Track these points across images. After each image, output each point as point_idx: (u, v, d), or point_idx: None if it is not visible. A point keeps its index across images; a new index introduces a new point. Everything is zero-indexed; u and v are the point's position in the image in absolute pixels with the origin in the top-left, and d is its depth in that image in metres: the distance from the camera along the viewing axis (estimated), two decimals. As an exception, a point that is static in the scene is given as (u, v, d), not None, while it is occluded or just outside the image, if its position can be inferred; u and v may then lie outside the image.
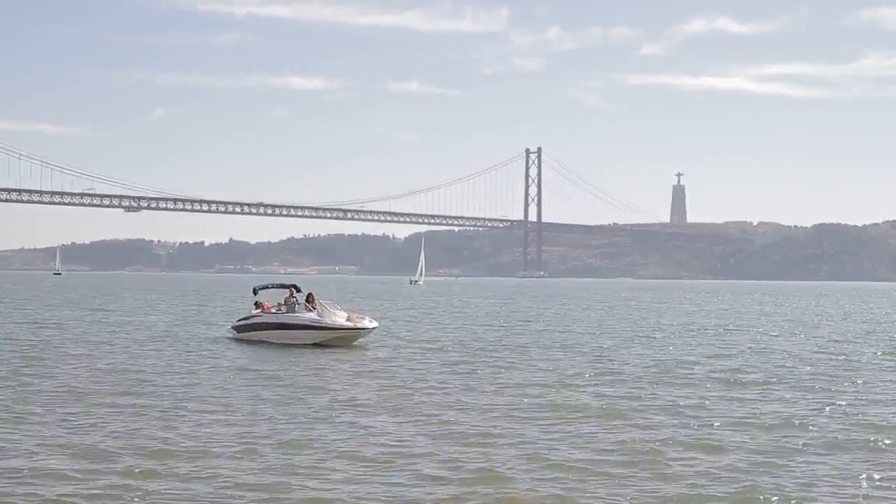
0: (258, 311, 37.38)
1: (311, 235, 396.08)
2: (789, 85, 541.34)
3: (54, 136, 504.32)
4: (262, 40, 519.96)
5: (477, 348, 34.91)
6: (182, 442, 16.20)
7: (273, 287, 40.72)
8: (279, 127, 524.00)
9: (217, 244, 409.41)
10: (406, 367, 28.02)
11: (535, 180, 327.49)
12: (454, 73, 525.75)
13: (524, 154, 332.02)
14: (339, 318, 35.04)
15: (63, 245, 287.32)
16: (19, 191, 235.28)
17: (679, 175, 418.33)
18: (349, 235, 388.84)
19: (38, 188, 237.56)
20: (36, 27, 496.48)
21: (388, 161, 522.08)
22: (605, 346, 36.26)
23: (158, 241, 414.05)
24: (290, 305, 36.42)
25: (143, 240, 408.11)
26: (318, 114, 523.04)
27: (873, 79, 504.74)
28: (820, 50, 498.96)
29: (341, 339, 34.29)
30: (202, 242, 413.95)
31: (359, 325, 34.70)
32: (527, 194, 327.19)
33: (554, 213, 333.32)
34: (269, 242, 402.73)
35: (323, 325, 34.55)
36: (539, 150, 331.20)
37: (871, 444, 16.39)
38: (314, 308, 35.62)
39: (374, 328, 35.50)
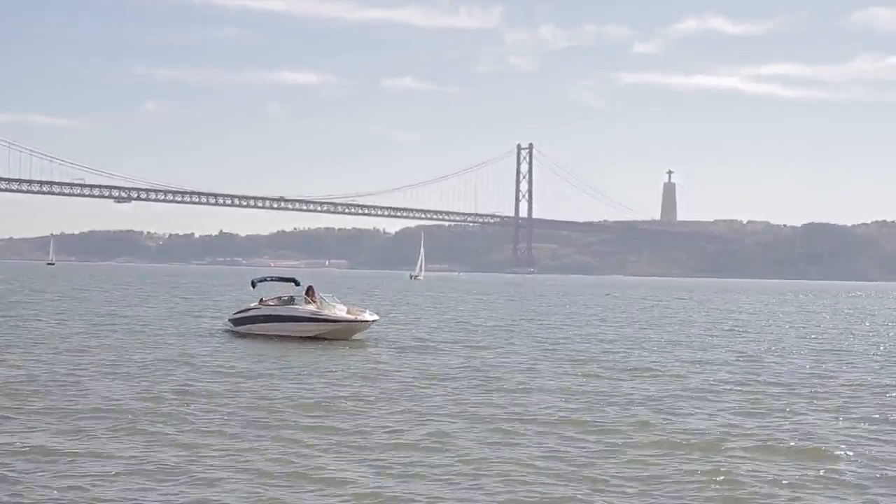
0: (257, 304, 36.99)
1: (302, 229, 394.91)
2: (783, 85, 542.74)
3: (46, 127, 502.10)
4: (257, 35, 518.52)
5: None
6: (175, 435, 16.01)
7: (272, 280, 40.31)
8: (273, 123, 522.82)
9: (207, 236, 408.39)
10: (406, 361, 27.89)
11: (527, 177, 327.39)
12: (450, 71, 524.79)
13: (515, 150, 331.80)
14: (339, 311, 34.72)
15: (53, 235, 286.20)
16: (9, 180, 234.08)
17: (670, 173, 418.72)
18: (339, 230, 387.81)
19: (29, 178, 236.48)
20: (29, 20, 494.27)
21: (384, 159, 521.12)
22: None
23: (148, 233, 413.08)
24: (284, 301, 35.96)
25: (133, 231, 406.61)
26: (313, 110, 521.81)
27: (866, 80, 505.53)
28: (814, 51, 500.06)
29: (341, 332, 33.86)
30: (192, 234, 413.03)
31: (359, 318, 34.36)
32: (517, 191, 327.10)
33: (545, 210, 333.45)
34: (259, 236, 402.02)
35: (322, 317, 34.16)
36: (530, 146, 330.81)
37: None
38: (313, 301, 35.28)
39: (374, 321, 35.14)
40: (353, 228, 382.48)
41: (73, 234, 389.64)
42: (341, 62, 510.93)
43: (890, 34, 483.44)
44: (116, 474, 13.33)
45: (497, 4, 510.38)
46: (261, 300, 37.06)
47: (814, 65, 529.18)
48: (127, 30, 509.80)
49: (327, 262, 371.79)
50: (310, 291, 35.86)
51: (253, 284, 39.47)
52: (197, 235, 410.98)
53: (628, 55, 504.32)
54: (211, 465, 13.94)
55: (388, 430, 16.73)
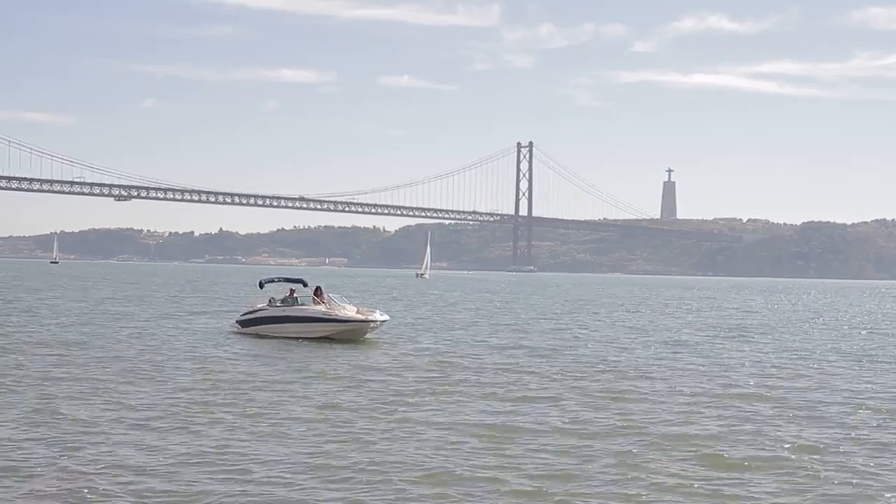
0: (264, 305, 36.80)
1: (301, 227, 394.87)
2: (780, 83, 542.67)
3: (43, 124, 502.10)
4: (255, 33, 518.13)
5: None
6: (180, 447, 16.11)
7: (279, 280, 39.93)
8: (272, 121, 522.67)
9: (206, 234, 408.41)
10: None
11: (527, 175, 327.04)
12: (446, 69, 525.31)
13: (515, 149, 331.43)
14: (348, 311, 34.60)
15: (52, 233, 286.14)
16: (9, 178, 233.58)
17: (669, 171, 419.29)
18: (339, 227, 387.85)
19: (28, 176, 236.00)
20: (26, 16, 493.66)
21: (383, 157, 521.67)
22: None
23: (148, 231, 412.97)
24: (288, 303, 35.71)
25: (132, 229, 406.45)
26: (309, 108, 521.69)
27: (863, 78, 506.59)
28: (811, 49, 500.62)
29: (351, 333, 33.64)
30: (192, 233, 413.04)
31: (369, 318, 34.24)
32: (517, 189, 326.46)
33: (545, 208, 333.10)
34: (259, 234, 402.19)
35: (332, 317, 33.92)
36: (530, 144, 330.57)
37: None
38: (322, 301, 35.16)
39: (384, 321, 35.07)
40: (353, 226, 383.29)
41: (72, 233, 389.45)
42: (340, 60, 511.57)
43: (887, 33, 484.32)
44: (127, 483, 13.25)
45: (495, 3, 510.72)
46: (270, 300, 36.95)
47: (812, 63, 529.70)
48: (125, 27, 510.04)
49: (327, 261, 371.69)
50: (318, 292, 35.72)
51: (261, 285, 39.10)
52: (196, 233, 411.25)
53: (626, 54, 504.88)
54: (220, 474, 13.91)
55: (405, 434, 16.91)
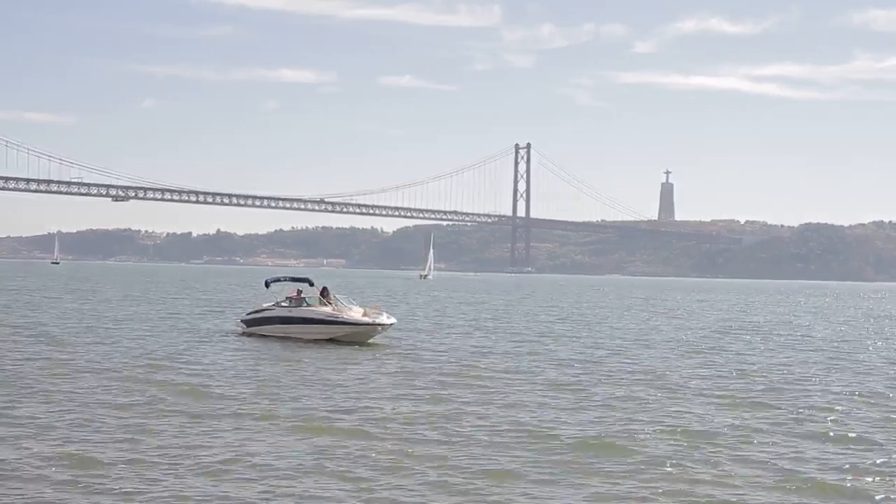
0: (270, 305, 36.46)
1: (299, 228, 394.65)
2: (780, 85, 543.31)
3: (43, 124, 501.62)
4: (255, 33, 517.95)
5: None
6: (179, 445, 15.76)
7: (285, 280, 39.52)
8: (270, 120, 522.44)
9: (204, 235, 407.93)
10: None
11: (525, 176, 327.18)
12: (446, 69, 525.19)
13: (513, 150, 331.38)
14: (355, 313, 34.17)
15: (49, 234, 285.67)
16: (6, 178, 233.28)
17: (668, 173, 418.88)
18: (337, 228, 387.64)
19: (26, 176, 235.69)
20: (26, 16, 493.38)
21: (382, 157, 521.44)
22: None
23: (146, 232, 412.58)
24: (297, 303, 35.33)
25: (130, 230, 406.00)
26: (309, 108, 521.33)
27: (863, 80, 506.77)
28: (811, 51, 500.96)
29: (358, 335, 33.19)
30: (190, 233, 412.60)
31: (376, 321, 33.80)
32: (515, 190, 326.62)
33: (542, 210, 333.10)
34: (257, 234, 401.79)
35: (338, 319, 33.46)
36: (528, 145, 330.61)
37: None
38: (328, 303, 34.76)
39: (391, 324, 34.57)
40: (351, 227, 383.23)
41: (70, 233, 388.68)
42: (340, 60, 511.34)
43: (888, 34, 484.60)
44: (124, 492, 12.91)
45: (496, 3, 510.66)
46: (278, 301, 36.49)
47: (812, 65, 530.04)
48: (125, 27, 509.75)
49: (325, 262, 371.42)
50: (325, 293, 35.29)
51: (267, 285, 38.75)
52: (195, 234, 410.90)
53: (626, 54, 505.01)
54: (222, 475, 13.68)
55: (410, 439, 16.60)
